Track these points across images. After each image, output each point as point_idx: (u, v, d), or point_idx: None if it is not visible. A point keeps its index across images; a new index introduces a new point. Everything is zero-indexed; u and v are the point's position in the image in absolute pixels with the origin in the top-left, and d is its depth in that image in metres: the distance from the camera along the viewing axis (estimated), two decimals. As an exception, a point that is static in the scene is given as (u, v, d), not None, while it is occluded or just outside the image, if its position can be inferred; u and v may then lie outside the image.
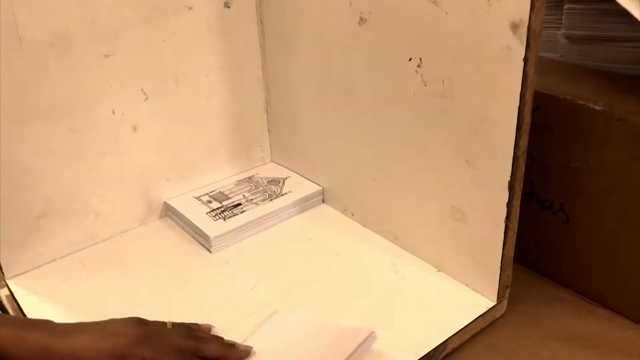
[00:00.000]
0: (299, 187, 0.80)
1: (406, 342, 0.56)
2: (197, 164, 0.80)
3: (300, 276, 0.66)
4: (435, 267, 0.66)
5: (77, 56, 0.65)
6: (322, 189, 0.80)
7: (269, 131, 0.86)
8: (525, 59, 0.49)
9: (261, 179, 0.83)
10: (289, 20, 0.74)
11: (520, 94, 0.51)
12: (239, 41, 0.78)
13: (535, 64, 0.50)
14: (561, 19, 0.69)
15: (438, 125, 0.59)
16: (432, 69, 0.57)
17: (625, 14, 0.55)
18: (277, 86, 0.81)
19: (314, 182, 0.81)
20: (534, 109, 0.61)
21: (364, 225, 0.75)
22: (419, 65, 0.59)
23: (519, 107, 0.51)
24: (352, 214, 0.76)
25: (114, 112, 0.70)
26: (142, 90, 0.72)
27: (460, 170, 0.58)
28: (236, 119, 0.82)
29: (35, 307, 0.63)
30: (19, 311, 0.63)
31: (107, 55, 0.67)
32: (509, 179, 0.54)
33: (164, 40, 0.71)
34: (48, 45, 0.63)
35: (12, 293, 0.66)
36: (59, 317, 0.54)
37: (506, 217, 0.56)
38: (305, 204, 0.78)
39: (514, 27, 0.49)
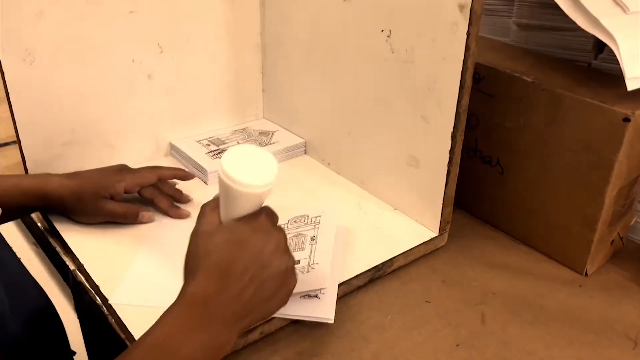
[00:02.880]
0: (285, 139, 0.94)
1: (362, 257, 0.70)
2: (199, 114, 0.94)
3: (281, 205, 0.79)
4: (393, 206, 0.80)
5: (107, 11, 0.78)
6: (305, 142, 0.93)
7: (263, 91, 0.99)
8: (468, 34, 0.63)
9: (253, 131, 0.96)
10: (286, -6, 0.87)
11: (463, 61, 0.64)
12: (243, 10, 0.91)
13: (476, 38, 0.63)
14: (513, 9, 0.83)
15: (401, 86, 0.73)
16: (398, 39, 0.71)
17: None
18: (273, 52, 0.94)
19: (298, 136, 0.94)
20: (481, 79, 0.76)
21: (337, 173, 0.89)
22: (388, 36, 0.72)
23: (461, 72, 0.65)
24: (329, 164, 0.90)
25: (133, 61, 0.83)
26: (158, 44, 0.84)
27: (416, 123, 0.72)
28: (235, 78, 0.95)
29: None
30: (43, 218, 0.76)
31: (131, 12, 0.80)
32: (452, 130, 0.68)
33: (180, 3, 0.84)
34: (85, 1, 0.75)
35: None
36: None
37: (449, 162, 0.70)
38: (289, 153, 0.92)
39: (461, 7, 0.62)
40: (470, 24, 0.62)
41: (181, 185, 0.81)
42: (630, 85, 0.61)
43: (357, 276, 0.68)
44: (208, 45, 0.90)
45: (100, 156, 0.84)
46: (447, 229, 0.76)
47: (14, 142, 0.99)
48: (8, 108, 0.75)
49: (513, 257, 0.75)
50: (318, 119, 0.89)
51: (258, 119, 1.01)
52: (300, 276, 0.63)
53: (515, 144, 0.74)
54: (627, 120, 0.63)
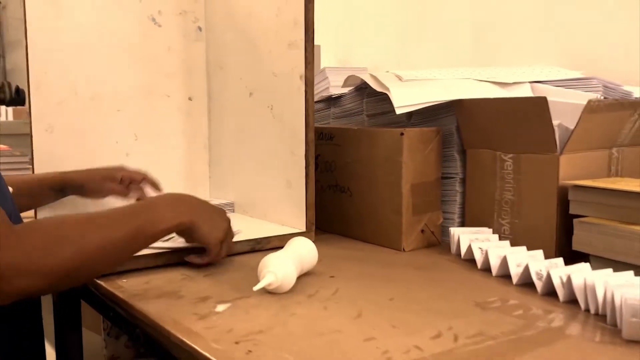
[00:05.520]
0: (218, 202, 1.33)
1: (248, 236, 1.05)
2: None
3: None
4: (281, 224, 1.16)
5: (103, 107, 1.25)
6: (233, 202, 1.32)
7: (209, 177, 1.41)
8: (305, 92, 1.07)
9: (199, 200, 1.36)
10: (221, 105, 1.34)
11: (305, 109, 1.07)
12: (195, 119, 1.38)
13: (312, 96, 1.07)
14: (363, 107, 1.28)
15: (280, 136, 1.15)
16: (276, 108, 1.15)
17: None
18: (215, 148, 1.39)
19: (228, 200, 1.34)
20: (333, 137, 1.18)
21: (251, 217, 1.26)
22: (272, 109, 1.17)
23: (305, 117, 1.07)
24: (246, 212, 1.28)
25: (117, 142, 1.27)
26: (134, 134, 1.30)
27: (288, 158, 1.12)
28: (189, 167, 1.38)
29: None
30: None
31: (118, 110, 1.27)
32: (304, 154, 1.08)
33: (152, 109, 1.31)
34: (90, 98, 1.23)
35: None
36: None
37: (306, 176, 1.09)
38: (221, 209, 1.30)
39: (300, 77, 1.07)
40: (306, 85, 1.07)
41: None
42: (398, 111, 1.03)
43: (241, 242, 1.02)
44: (169, 141, 1.35)
45: (86, 205, 1.24)
46: (313, 229, 1.11)
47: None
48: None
49: (359, 247, 1.09)
50: (240, 184, 1.30)
51: (205, 197, 1.41)
52: None
53: (355, 173, 1.13)
54: (402, 134, 1.03)
